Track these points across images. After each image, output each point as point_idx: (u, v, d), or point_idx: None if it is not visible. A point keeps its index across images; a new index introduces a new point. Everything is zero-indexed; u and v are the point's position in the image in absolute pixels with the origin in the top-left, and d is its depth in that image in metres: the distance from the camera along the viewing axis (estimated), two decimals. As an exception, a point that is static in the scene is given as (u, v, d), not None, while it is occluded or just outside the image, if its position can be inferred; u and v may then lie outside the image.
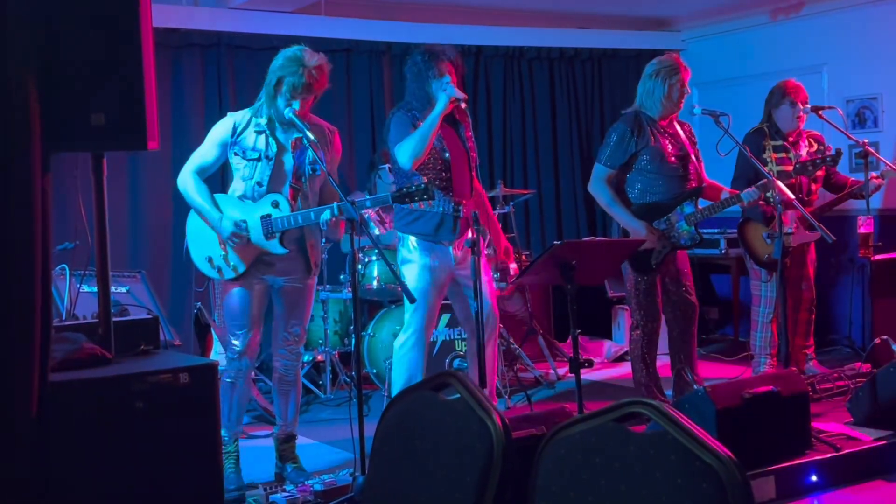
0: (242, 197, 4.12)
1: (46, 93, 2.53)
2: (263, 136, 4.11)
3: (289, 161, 4.12)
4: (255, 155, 4.09)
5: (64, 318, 4.26)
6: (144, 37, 2.87)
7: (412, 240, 4.48)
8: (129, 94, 2.85)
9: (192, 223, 4.24)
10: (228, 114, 4.24)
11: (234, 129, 4.13)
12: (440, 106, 4.33)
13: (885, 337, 5.22)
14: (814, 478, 3.88)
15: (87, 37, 2.78)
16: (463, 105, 4.40)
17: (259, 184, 4.09)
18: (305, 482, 3.98)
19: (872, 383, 4.42)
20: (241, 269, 4.10)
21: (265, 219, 4.05)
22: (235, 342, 4.18)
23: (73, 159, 3.46)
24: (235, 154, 4.12)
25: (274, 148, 4.11)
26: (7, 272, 2.32)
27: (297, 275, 4.22)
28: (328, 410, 5.74)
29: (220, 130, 4.17)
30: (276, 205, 4.06)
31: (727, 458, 1.69)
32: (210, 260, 4.16)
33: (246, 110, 4.20)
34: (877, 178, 5.48)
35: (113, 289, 4.31)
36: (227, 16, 6.54)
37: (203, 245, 4.19)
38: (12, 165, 2.29)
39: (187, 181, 4.14)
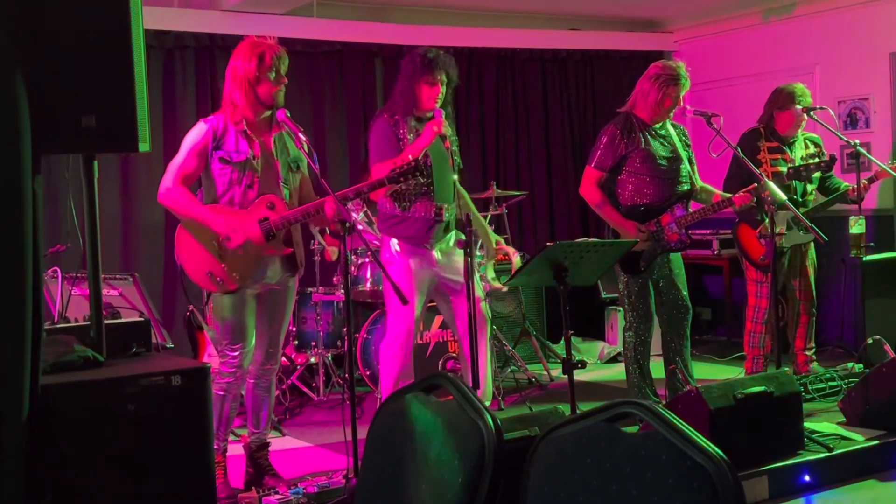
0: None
1: (37, 94, 2.52)
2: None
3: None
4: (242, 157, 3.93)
5: (56, 320, 4.26)
6: (136, 38, 2.87)
7: (394, 242, 4.49)
8: (120, 95, 2.83)
9: (184, 239, 3.96)
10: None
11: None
12: (424, 140, 4.35)
13: (877, 337, 5.22)
14: (806, 478, 3.89)
15: (79, 38, 2.77)
16: (447, 144, 4.49)
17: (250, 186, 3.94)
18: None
19: (865, 383, 4.42)
20: (245, 278, 3.93)
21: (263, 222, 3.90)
22: (235, 354, 4.02)
23: (64, 161, 3.45)
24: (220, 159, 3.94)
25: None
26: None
27: (286, 275, 4.09)
28: (321, 413, 5.74)
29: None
30: (271, 206, 3.92)
31: (718, 458, 1.70)
32: (210, 274, 3.90)
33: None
34: (866, 185, 5.50)
35: (105, 291, 4.31)
36: (219, 18, 6.54)
37: (200, 260, 3.92)
38: (1, 167, 2.28)
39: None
